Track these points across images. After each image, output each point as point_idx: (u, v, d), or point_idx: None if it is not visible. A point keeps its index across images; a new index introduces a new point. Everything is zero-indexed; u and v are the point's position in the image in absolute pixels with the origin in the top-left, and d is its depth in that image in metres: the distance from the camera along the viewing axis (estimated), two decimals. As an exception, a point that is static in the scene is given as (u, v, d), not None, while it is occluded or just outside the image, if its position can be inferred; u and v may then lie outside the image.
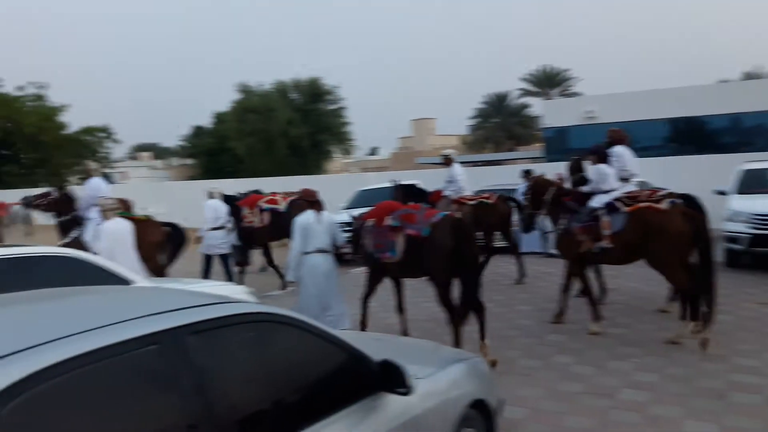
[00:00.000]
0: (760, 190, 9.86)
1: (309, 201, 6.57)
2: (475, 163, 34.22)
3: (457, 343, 5.55)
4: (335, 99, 36.51)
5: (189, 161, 45.39)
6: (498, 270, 10.79)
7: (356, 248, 6.62)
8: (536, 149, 34.46)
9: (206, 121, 43.85)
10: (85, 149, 34.19)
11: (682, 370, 5.30)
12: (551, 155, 26.91)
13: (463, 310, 5.66)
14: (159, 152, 66.80)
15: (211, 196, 10.18)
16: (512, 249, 10.21)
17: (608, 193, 6.68)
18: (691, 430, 4.19)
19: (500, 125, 49.40)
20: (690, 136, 25.50)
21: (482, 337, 5.69)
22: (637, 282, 9.01)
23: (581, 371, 5.47)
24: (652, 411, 4.54)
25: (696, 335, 5.88)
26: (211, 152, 41.31)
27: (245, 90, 35.52)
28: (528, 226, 7.90)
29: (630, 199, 6.43)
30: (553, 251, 9.14)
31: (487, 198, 10.21)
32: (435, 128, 78.05)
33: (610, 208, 6.45)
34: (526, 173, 12.52)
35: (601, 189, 6.79)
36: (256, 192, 12.03)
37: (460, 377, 3.47)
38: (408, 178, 15.53)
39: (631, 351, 5.91)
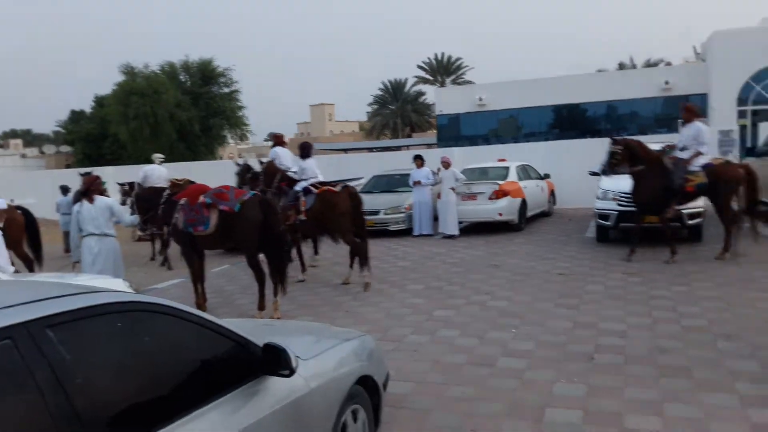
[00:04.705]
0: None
1: (83, 190, 7.24)
2: (371, 150, 34.59)
3: (261, 300, 6.93)
4: (228, 82, 35.33)
5: (66, 148, 42.27)
6: (392, 252, 11.02)
7: (163, 223, 7.67)
8: (431, 136, 35.29)
9: (86, 105, 40.99)
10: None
11: (556, 338, 5.70)
12: (444, 141, 27.69)
13: (274, 273, 6.92)
14: (32, 139, 61.64)
15: None
16: None
17: (306, 180, 8.75)
18: (562, 391, 4.52)
19: (397, 112, 50.12)
20: (572, 121, 27.13)
21: (275, 293, 6.95)
22: (517, 259, 9.55)
23: (465, 343, 5.73)
24: (528, 376, 4.85)
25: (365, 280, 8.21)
26: (92, 138, 38.76)
27: (129, 72, 33.49)
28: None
29: (320, 184, 8.69)
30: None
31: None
32: (334, 114, 77.88)
33: (306, 191, 8.55)
34: (417, 158, 12.94)
35: (302, 177, 8.86)
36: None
37: (346, 356, 3.52)
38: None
39: (511, 322, 6.28)
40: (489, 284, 8.01)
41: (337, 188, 8.57)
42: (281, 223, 7.34)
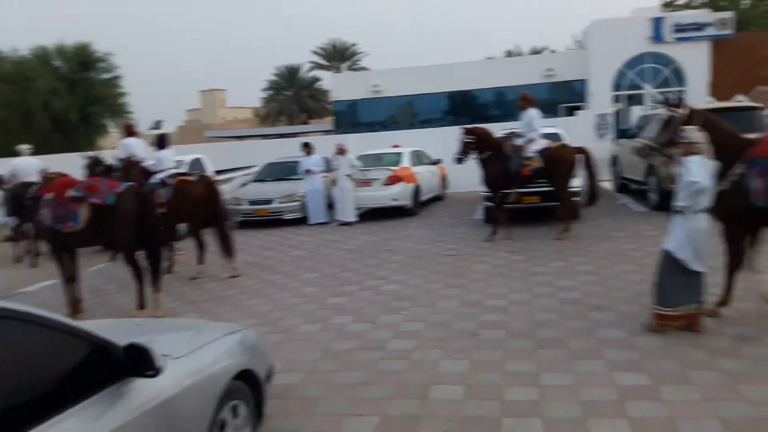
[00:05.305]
0: None
1: None
2: (266, 136, 33.85)
3: (140, 298, 6.57)
4: (109, 67, 33.04)
5: None
6: (286, 242, 10.85)
7: (30, 220, 7.29)
8: (329, 122, 35.09)
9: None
10: None
11: (443, 317, 5.85)
12: (342, 128, 27.64)
13: (152, 269, 6.65)
14: None
15: None
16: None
17: (163, 172, 8.77)
18: (447, 369, 4.65)
19: (293, 98, 49.32)
20: (464, 108, 27.92)
21: (157, 290, 6.65)
22: (411, 243, 9.72)
23: (357, 329, 5.75)
24: (416, 356, 4.94)
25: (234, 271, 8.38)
26: (-49, 129, 35.11)
27: (-5, 56, 30.51)
28: None
29: (178, 175, 8.78)
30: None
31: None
32: (226, 100, 75.42)
33: (163, 183, 8.56)
34: (305, 145, 12.86)
35: (159, 168, 8.88)
36: None
37: (223, 351, 3.42)
38: (195, 152, 14.80)
39: (402, 305, 6.37)
40: (383, 269, 8.08)
41: (192, 178, 8.69)
42: (158, 218, 7.03)
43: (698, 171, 4.66)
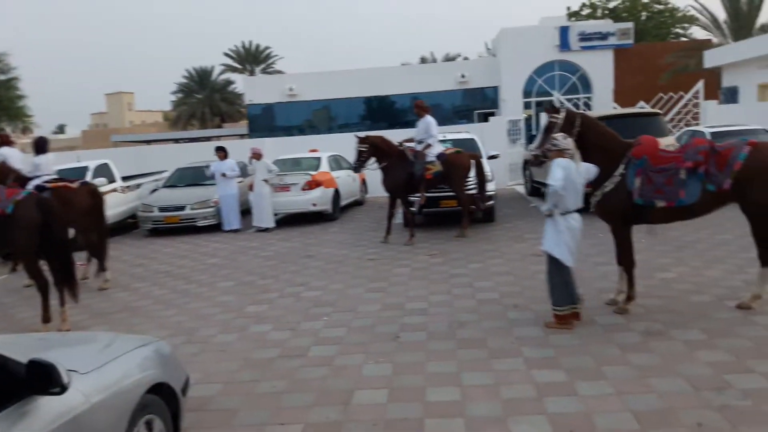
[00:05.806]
0: None
1: None
2: (177, 141, 32.66)
3: (45, 312, 6.14)
4: (4, 68, 30.75)
5: None
6: (200, 249, 10.48)
7: None
8: (244, 126, 34.34)
9: None
10: None
11: (365, 321, 5.83)
12: (258, 132, 27.09)
13: (59, 281, 6.22)
14: None
15: None
16: None
17: (39, 178, 8.36)
18: (370, 373, 4.63)
19: (205, 101, 47.92)
20: (381, 113, 28.13)
21: (62, 303, 6.27)
22: (331, 248, 9.65)
23: (277, 337, 5.62)
24: (338, 362, 4.89)
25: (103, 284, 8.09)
26: None
27: None
28: None
29: (54, 181, 8.31)
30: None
31: None
32: (134, 103, 72.13)
33: (40, 189, 7.93)
34: (219, 150, 12.53)
35: (37, 174, 8.50)
36: None
37: (135, 364, 3.27)
38: (100, 157, 14.04)
39: (323, 311, 6.30)
40: (303, 275, 7.96)
41: (75, 185, 8.36)
42: (65, 227, 6.58)
43: (557, 173, 4.90)
